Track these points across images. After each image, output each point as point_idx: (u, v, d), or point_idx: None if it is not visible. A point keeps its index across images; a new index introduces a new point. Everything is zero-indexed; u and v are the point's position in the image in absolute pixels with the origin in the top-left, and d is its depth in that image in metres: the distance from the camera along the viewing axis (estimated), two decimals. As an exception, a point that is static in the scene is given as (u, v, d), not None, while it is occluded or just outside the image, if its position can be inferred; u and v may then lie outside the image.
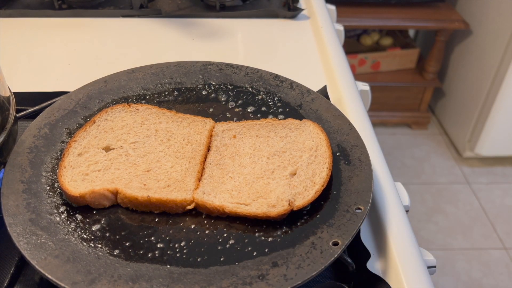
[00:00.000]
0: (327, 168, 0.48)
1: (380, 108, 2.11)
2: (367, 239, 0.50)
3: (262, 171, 0.49)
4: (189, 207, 0.46)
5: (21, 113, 0.60)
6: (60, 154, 0.51)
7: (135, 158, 0.50)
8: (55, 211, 0.45)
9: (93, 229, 0.44)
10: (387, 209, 0.51)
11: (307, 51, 0.82)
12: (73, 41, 0.84)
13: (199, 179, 0.49)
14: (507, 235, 1.72)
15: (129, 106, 0.57)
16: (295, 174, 0.49)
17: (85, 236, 0.43)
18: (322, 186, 0.47)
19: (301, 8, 0.93)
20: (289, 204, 0.45)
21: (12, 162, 0.48)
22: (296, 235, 0.44)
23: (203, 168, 0.50)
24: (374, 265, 0.47)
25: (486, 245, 1.69)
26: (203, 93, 0.62)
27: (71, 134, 0.54)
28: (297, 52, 0.82)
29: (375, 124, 1.92)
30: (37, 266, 0.39)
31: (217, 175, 0.49)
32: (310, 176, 0.48)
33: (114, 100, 0.60)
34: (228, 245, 0.43)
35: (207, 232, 0.45)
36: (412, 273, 0.44)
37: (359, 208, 0.45)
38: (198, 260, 0.42)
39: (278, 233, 0.44)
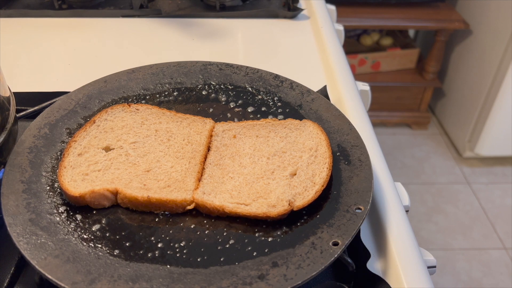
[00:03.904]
0: (327, 168, 0.48)
1: (380, 108, 2.11)
2: (367, 239, 0.50)
3: (262, 171, 0.49)
4: (189, 207, 0.46)
5: (21, 113, 0.60)
6: (60, 154, 0.51)
7: (135, 158, 0.50)
8: (55, 211, 0.45)
9: (93, 229, 0.44)
10: (387, 209, 0.51)
11: (307, 51, 0.82)
12: (73, 41, 0.84)
13: (199, 179, 0.49)
14: (507, 235, 1.72)
15: (129, 106, 0.57)
16: (295, 174, 0.49)
17: (85, 236, 0.43)
18: (322, 186, 0.47)
19: (301, 8, 0.93)
20: (289, 204, 0.45)
21: (12, 162, 0.48)
22: (296, 235, 0.44)
23: (203, 169, 0.50)
24: (374, 265, 0.47)
25: (486, 245, 1.69)
26: (203, 93, 0.62)
27: (71, 134, 0.54)
28: (297, 52, 0.82)
29: (375, 124, 1.92)
30: (37, 266, 0.39)
31: (217, 175, 0.49)
32: (310, 176, 0.48)
33: (114, 100, 0.59)
34: (228, 245, 0.43)
35: (207, 232, 0.45)
36: (412, 273, 0.44)
37: (359, 208, 0.45)
38: (198, 260, 0.42)
39: (278, 233, 0.44)
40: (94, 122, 0.54)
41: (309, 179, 0.48)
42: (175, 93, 0.61)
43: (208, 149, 0.53)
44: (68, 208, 0.46)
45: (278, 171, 0.49)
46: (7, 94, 0.51)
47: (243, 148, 0.52)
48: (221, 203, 0.46)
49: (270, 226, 0.45)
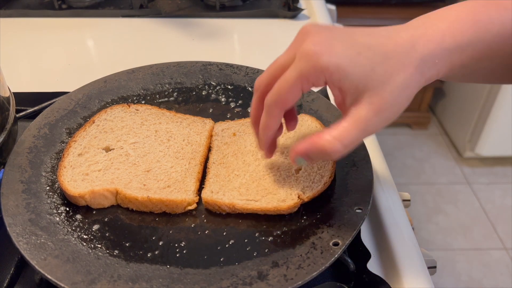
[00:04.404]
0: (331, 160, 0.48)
1: (380, 108, 2.11)
2: (367, 239, 0.50)
3: (267, 168, 0.49)
4: (189, 207, 0.46)
5: (21, 113, 0.60)
6: (60, 154, 0.51)
7: (135, 158, 0.50)
8: (55, 211, 0.45)
9: (93, 229, 0.44)
10: (387, 209, 0.51)
11: (307, 51, 0.82)
12: (73, 41, 0.84)
13: (199, 180, 0.49)
14: (507, 235, 1.72)
15: (129, 106, 0.57)
16: (300, 169, 0.49)
17: (84, 236, 0.43)
18: (330, 177, 0.47)
19: (301, 8, 0.93)
20: (298, 197, 0.45)
21: (11, 162, 0.48)
22: (296, 235, 0.43)
23: (207, 168, 0.50)
24: (374, 266, 0.47)
25: (486, 245, 1.69)
26: (203, 93, 0.62)
27: (71, 134, 0.54)
28: (297, 52, 0.82)
29: (375, 124, 1.91)
30: (37, 267, 0.39)
31: (223, 174, 0.49)
32: (316, 170, 0.48)
33: (114, 100, 0.59)
34: (228, 245, 0.43)
35: (207, 232, 0.45)
36: (413, 274, 0.44)
37: (360, 208, 0.45)
38: (198, 260, 0.42)
39: (278, 233, 0.44)
40: (94, 122, 0.54)
41: (315, 172, 0.48)
42: (175, 93, 0.61)
43: (209, 149, 0.53)
44: (67, 208, 0.46)
45: (283, 167, 0.49)
46: (7, 94, 0.51)
47: (244, 146, 0.52)
48: (230, 200, 0.46)
49: (270, 226, 0.45)
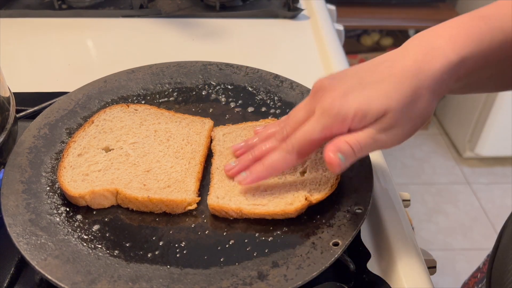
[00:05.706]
0: None
1: (380, 108, 2.11)
2: (367, 239, 0.50)
3: None
4: (189, 207, 0.46)
5: (21, 114, 0.60)
6: (60, 155, 0.51)
7: (135, 158, 0.50)
8: (55, 212, 0.45)
9: (93, 229, 0.44)
10: (387, 209, 0.51)
11: (307, 51, 0.82)
12: (73, 41, 0.84)
13: (199, 179, 0.49)
14: (507, 235, 1.72)
15: (128, 106, 0.57)
16: (305, 172, 0.48)
17: (85, 237, 0.43)
18: (336, 180, 0.47)
19: (301, 8, 0.93)
20: (306, 199, 0.45)
21: (12, 163, 0.48)
22: (296, 235, 0.43)
23: (211, 174, 0.49)
24: (374, 266, 0.47)
25: (486, 245, 1.69)
26: (203, 93, 0.62)
27: (71, 134, 0.54)
28: (297, 52, 0.82)
29: (375, 124, 1.91)
30: (37, 267, 0.39)
31: (227, 179, 0.49)
32: (321, 172, 0.48)
33: (114, 100, 0.59)
34: (228, 245, 0.43)
35: (207, 232, 0.45)
36: (412, 274, 0.44)
37: (360, 208, 0.45)
38: (198, 260, 0.42)
39: (278, 233, 0.44)
40: (93, 122, 0.54)
41: (320, 175, 0.48)
42: (175, 93, 0.61)
43: (211, 154, 0.53)
44: (68, 209, 0.46)
45: (288, 171, 0.49)
46: (7, 94, 0.51)
47: None
48: (237, 205, 0.45)
49: (270, 226, 0.45)
